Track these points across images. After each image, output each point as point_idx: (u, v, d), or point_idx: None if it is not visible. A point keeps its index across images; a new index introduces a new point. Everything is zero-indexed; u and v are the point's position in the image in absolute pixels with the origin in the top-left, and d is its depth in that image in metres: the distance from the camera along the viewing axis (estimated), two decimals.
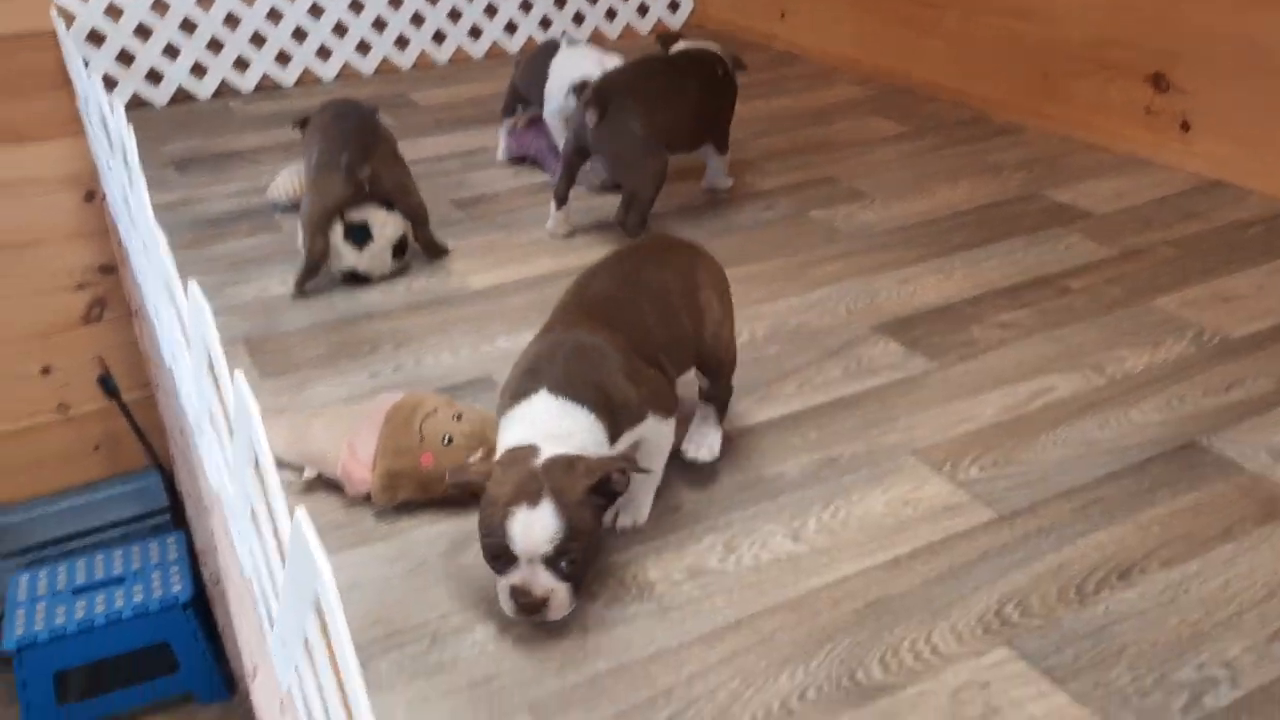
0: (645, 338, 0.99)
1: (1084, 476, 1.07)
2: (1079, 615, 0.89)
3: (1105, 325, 1.36)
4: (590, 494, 0.86)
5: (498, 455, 0.90)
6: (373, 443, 1.04)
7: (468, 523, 1.02)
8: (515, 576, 0.86)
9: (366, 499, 1.06)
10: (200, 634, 2.34)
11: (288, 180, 1.79)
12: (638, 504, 1.02)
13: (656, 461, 1.01)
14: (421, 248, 1.59)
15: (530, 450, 0.88)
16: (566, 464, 0.86)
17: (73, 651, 2.26)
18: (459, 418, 1.05)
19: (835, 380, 1.26)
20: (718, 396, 1.11)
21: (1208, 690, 0.82)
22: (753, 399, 1.23)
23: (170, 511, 2.63)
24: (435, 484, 1.03)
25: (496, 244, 1.67)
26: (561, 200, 1.68)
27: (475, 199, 1.85)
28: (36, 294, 2.51)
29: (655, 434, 0.99)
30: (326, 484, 1.09)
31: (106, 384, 2.49)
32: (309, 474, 1.09)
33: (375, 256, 1.51)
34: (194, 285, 0.90)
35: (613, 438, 0.92)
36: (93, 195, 2.45)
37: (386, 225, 1.52)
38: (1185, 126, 1.82)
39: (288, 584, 0.69)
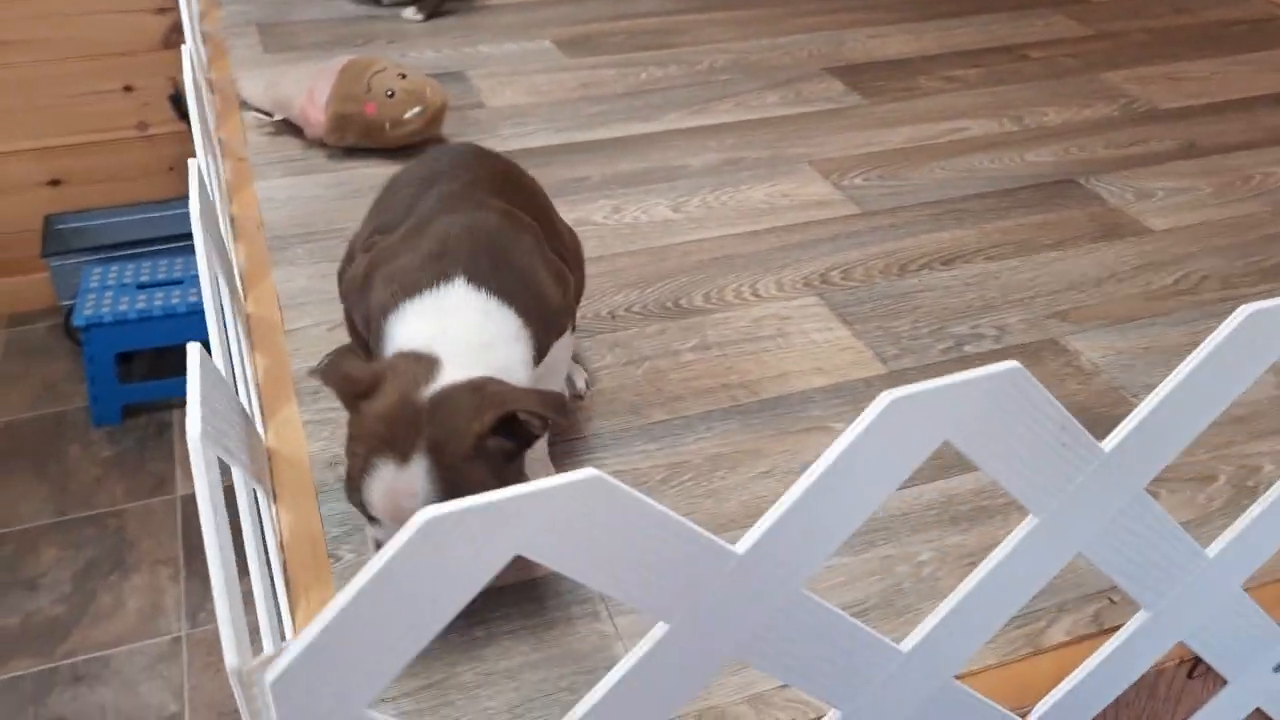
0: (552, 240, 0.78)
1: (954, 193, 1.17)
2: (892, 284, 1.02)
3: (1045, 88, 1.42)
4: (487, 439, 0.61)
5: (388, 353, 0.66)
6: (328, 91, 1.19)
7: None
8: (381, 533, 0.64)
9: (324, 144, 1.23)
10: None
11: None
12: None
13: (556, 380, 0.79)
14: None
15: (428, 365, 0.63)
16: (462, 396, 0.61)
17: (132, 336, 2.55)
18: (403, 76, 1.19)
19: (769, 104, 1.37)
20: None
21: (972, 342, 0.94)
22: (686, 111, 1.34)
23: None
24: (377, 132, 1.19)
25: None
26: None
27: None
28: (119, 13, 2.71)
29: (563, 349, 0.77)
30: (292, 128, 1.25)
31: (177, 103, 2.69)
32: (277, 117, 1.25)
33: None
34: None
35: (540, 354, 0.70)
36: None
37: None
38: None
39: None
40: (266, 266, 1.02)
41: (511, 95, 1.37)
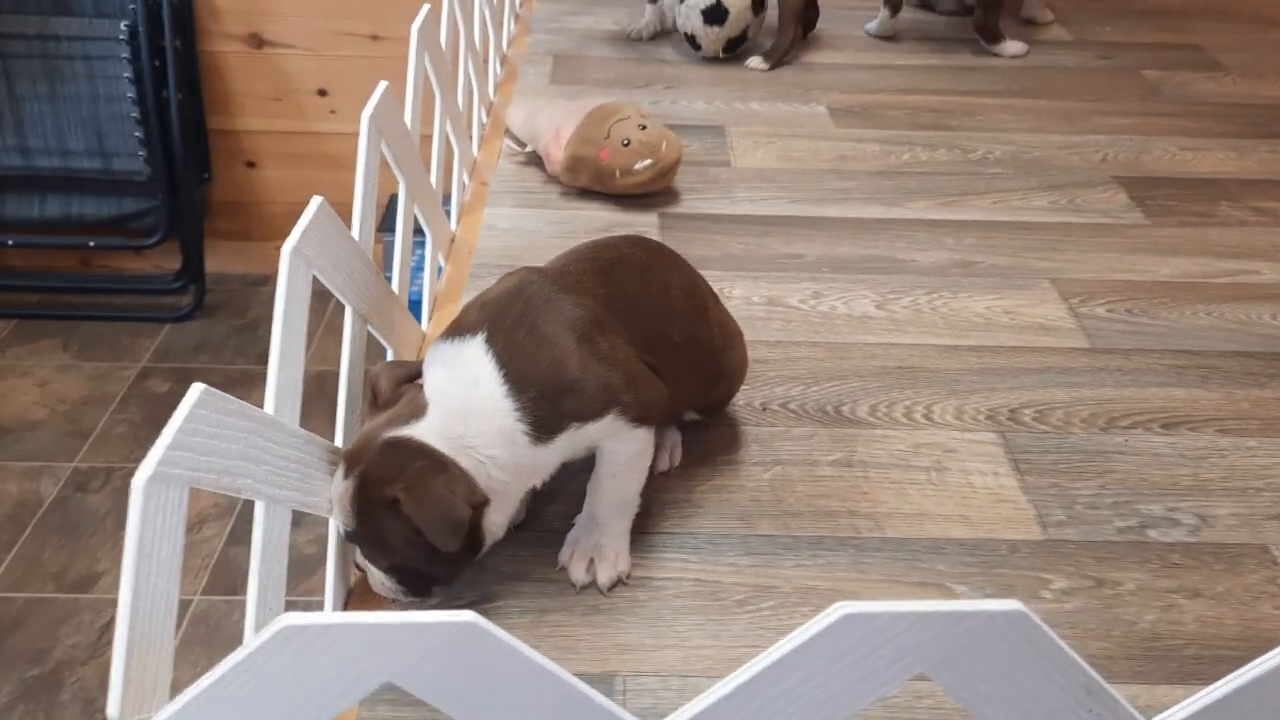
0: (653, 341, 0.75)
1: (1211, 346, 1.01)
2: (1091, 438, 0.90)
3: None
4: (396, 506, 0.64)
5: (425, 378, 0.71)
6: (571, 131, 1.22)
7: (628, 215, 1.20)
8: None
9: (559, 181, 1.26)
10: None
11: None
12: (601, 544, 0.74)
13: (625, 485, 0.74)
14: None
15: (415, 411, 0.67)
16: (400, 456, 0.65)
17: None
18: (644, 128, 1.20)
19: (1034, 208, 1.25)
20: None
21: (1160, 526, 0.81)
22: (937, 201, 1.26)
23: None
24: (607, 178, 1.20)
25: (817, 34, 1.75)
26: (895, 7, 1.71)
27: None
28: None
29: (622, 445, 0.72)
30: (539, 162, 1.30)
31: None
32: (529, 149, 1.30)
33: (712, 42, 1.61)
34: None
35: (544, 431, 0.67)
36: None
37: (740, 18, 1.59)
38: None
39: None
40: (461, 292, 1.07)
41: (762, 158, 1.35)
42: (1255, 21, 1.83)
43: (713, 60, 1.63)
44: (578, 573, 0.74)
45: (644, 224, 1.19)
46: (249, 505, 0.60)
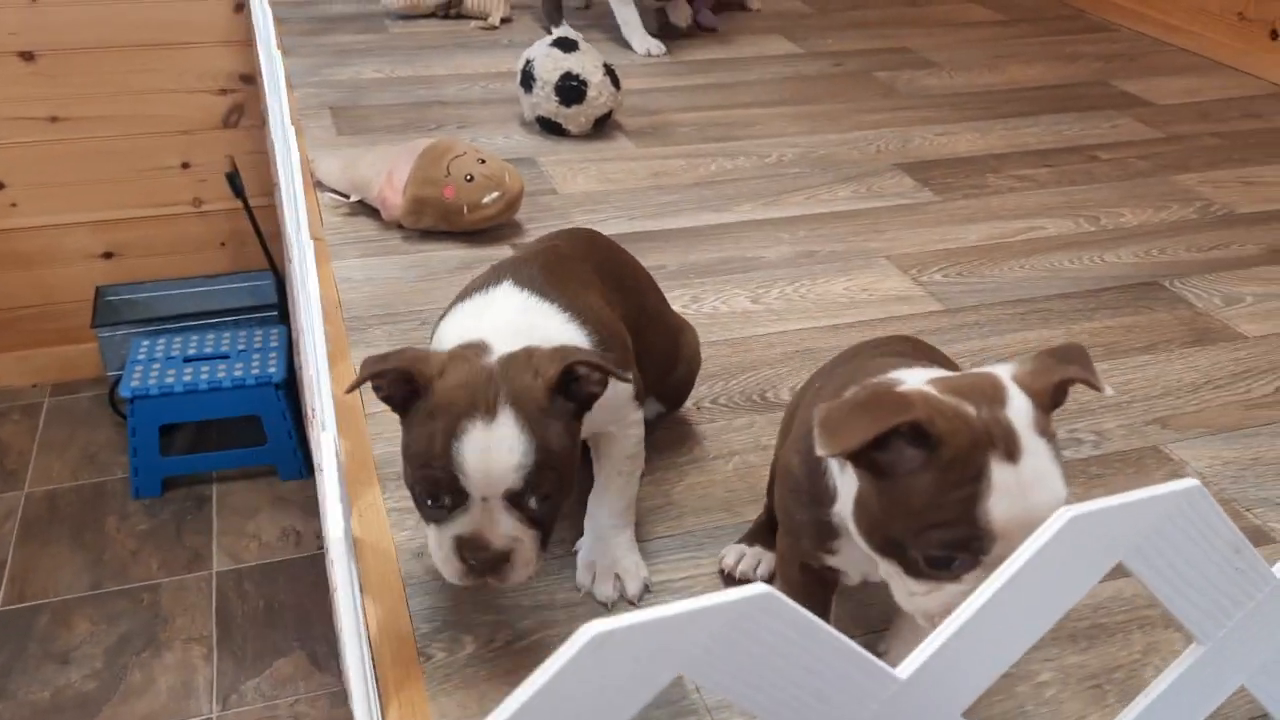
0: (635, 310, 0.79)
1: (1037, 293, 1.15)
2: None
3: (1119, 189, 1.41)
4: (554, 394, 0.62)
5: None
6: (407, 173, 1.19)
7: (481, 250, 1.18)
8: (464, 524, 0.62)
9: (400, 226, 1.22)
10: (287, 414, 2.59)
11: None
12: (618, 558, 0.74)
13: (629, 486, 0.75)
14: None
15: (481, 346, 0.64)
16: (524, 358, 0.63)
17: (177, 409, 2.54)
18: (482, 162, 1.19)
19: (841, 198, 1.36)
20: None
21: (1071, 447, 0.91)
22: (757, 203, 1.34)
23: (277, 309, 2.89)
24: (454, 215, 1.18)
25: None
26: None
27: None
28: (184, 93, 2.76)
29: (627, 430, 0.73)
30: (368, 209, 1.25)
31: (233, 181, 2.73)
32: (354, 198, 1.25)
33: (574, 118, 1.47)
34: None
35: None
36: (241, 7, 2.67)
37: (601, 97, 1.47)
38: (1275, 35, 1.81)
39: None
40: (346, 347, 1.01)
41: (584, 182, 1.37)
42: (947, 24, 2.08)
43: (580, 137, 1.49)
44: (605, 590, 0.73)
45: (499, 258, 1.17)
46: None
